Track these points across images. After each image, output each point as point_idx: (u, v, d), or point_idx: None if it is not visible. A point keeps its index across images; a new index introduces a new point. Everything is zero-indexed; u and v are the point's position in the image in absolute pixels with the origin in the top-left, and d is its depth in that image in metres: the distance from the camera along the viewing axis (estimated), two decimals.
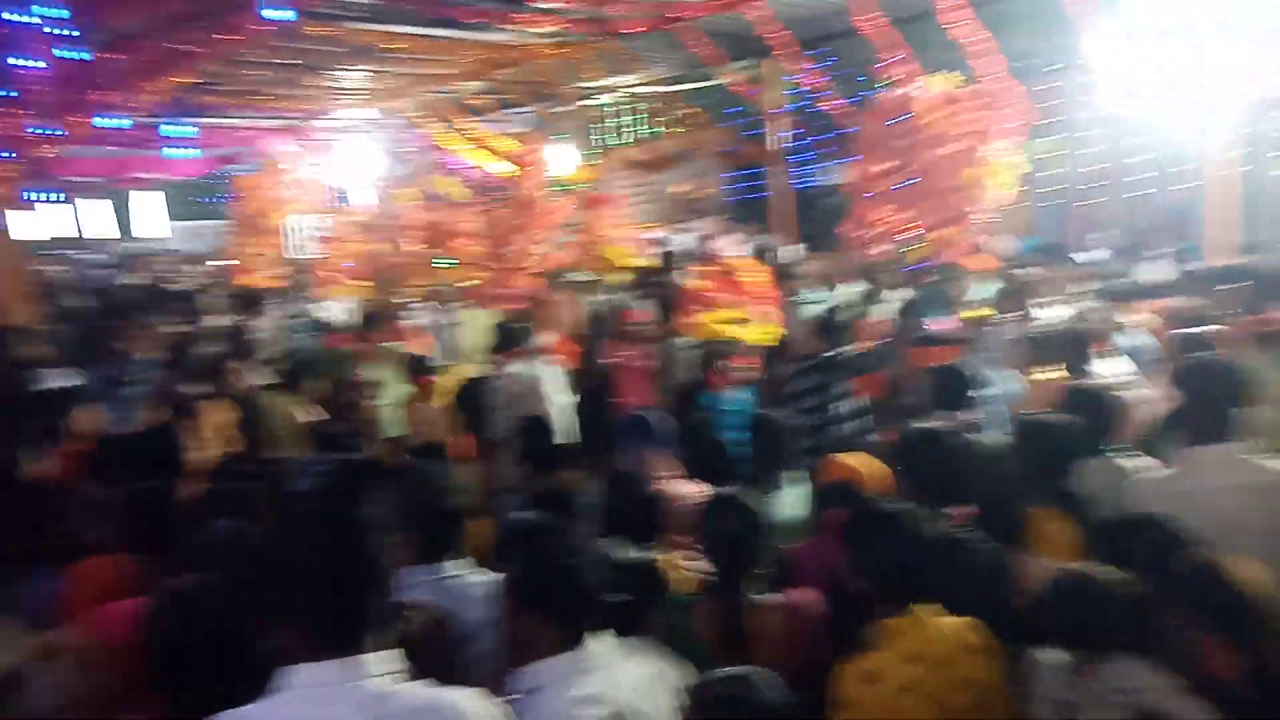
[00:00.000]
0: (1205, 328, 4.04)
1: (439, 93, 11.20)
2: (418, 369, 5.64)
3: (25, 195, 12.86)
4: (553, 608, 1.91)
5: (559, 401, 5.02)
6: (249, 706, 1.54)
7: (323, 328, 6.98)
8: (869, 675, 2.13)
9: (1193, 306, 4.52)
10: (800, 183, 11.57)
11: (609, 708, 1.85)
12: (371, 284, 7.20)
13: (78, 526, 2.95)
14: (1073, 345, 4.17)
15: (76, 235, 21.92)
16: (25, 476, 3.52)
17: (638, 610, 2.29)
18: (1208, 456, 2.72)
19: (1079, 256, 7.48)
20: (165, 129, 7.73)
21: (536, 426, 3.83)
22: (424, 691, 1.58)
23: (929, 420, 3.66)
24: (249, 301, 7.81)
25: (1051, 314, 5.32)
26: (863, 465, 3.08)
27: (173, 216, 22.54)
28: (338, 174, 15.32)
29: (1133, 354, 4.81)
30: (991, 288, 6.78)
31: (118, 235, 22.21)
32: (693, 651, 2.29)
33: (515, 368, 4.94)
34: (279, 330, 7.26)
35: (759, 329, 5.16)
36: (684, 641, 2.33)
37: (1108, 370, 4.40)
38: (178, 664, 1.90)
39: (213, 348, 6.10)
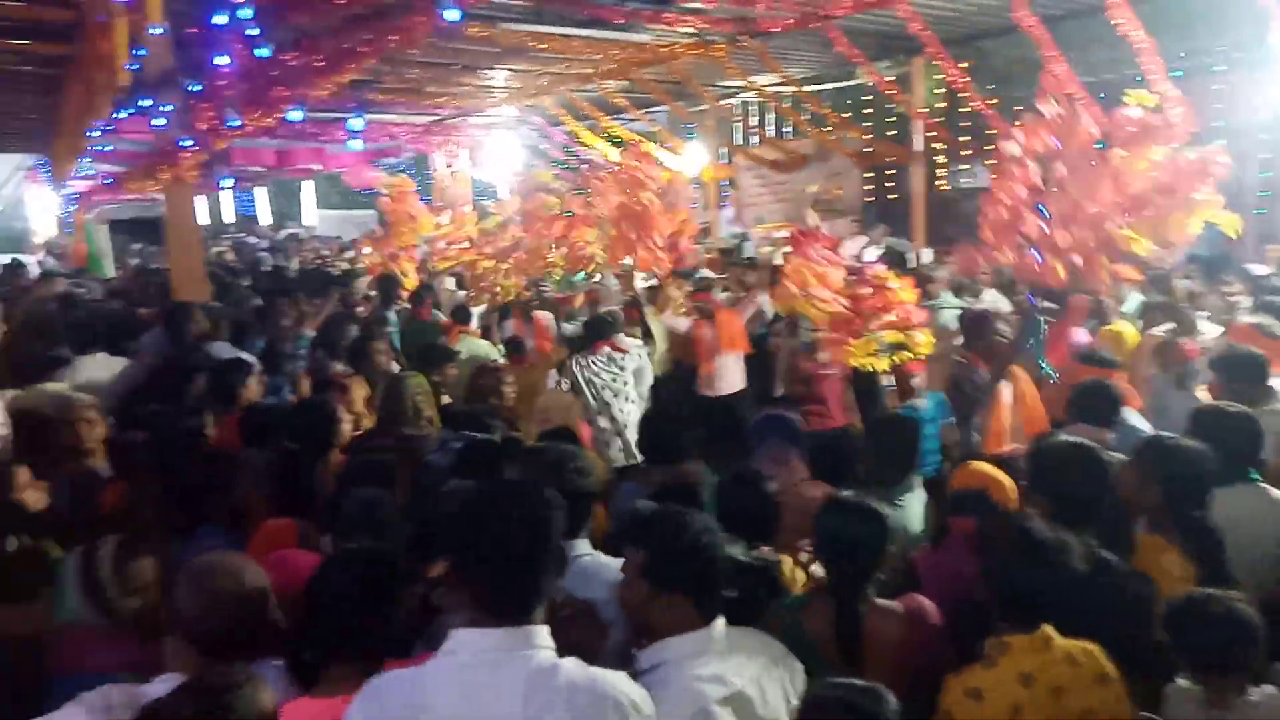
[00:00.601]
0: None
1: (580, 91, 11.47)
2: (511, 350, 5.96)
3: (217, 181, 14.04)
4: (689, 587, 1.95)
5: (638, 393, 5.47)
6: (427, 665, 1.62)
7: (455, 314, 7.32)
8: (975, 692, 2.09)
9: None
10: (941, 185, 11.25)
11: (731, 688, 1.89)
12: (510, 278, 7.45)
13: (240, 490, 3.19)
14: (1245, 366, 3.86)
15: (234, 220, 23.66)
16: (204, 443, 3.86)
17: (753, 607, 2.32)
18: None
19: (1252, 269, 6.96)
20: (351, 123, 8.23)
21: (660, 418, 3.86)
22: (585, 670, 1.62)
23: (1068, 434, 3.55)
24: (391, 289, 8.24)
25: (1210, 330, 5.00)
26: (995, 474, 2.99)
27: (321, 205, 24.02)
28: (483, 169, 15.96)
29: None
30: (1136, 300, 6.43)
31: (271, 221, 23.79)
32: (803, 652, 2.31)
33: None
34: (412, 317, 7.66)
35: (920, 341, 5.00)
36: (795, 642, 2.35)
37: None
38: (346, 618, 1.99)
39: (359, 330, 6.50)
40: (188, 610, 1.99)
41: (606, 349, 5.87)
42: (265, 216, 24.41)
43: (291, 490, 3.25)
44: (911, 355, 4.78)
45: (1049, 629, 2.14)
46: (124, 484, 3.49)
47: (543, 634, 1.63)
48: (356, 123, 8.25)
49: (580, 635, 1.88)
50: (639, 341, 6.38)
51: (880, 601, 2.42)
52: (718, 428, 4.44)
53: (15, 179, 18.88)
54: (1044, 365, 4.82)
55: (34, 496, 3.26)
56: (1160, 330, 5.28)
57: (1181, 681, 2.25)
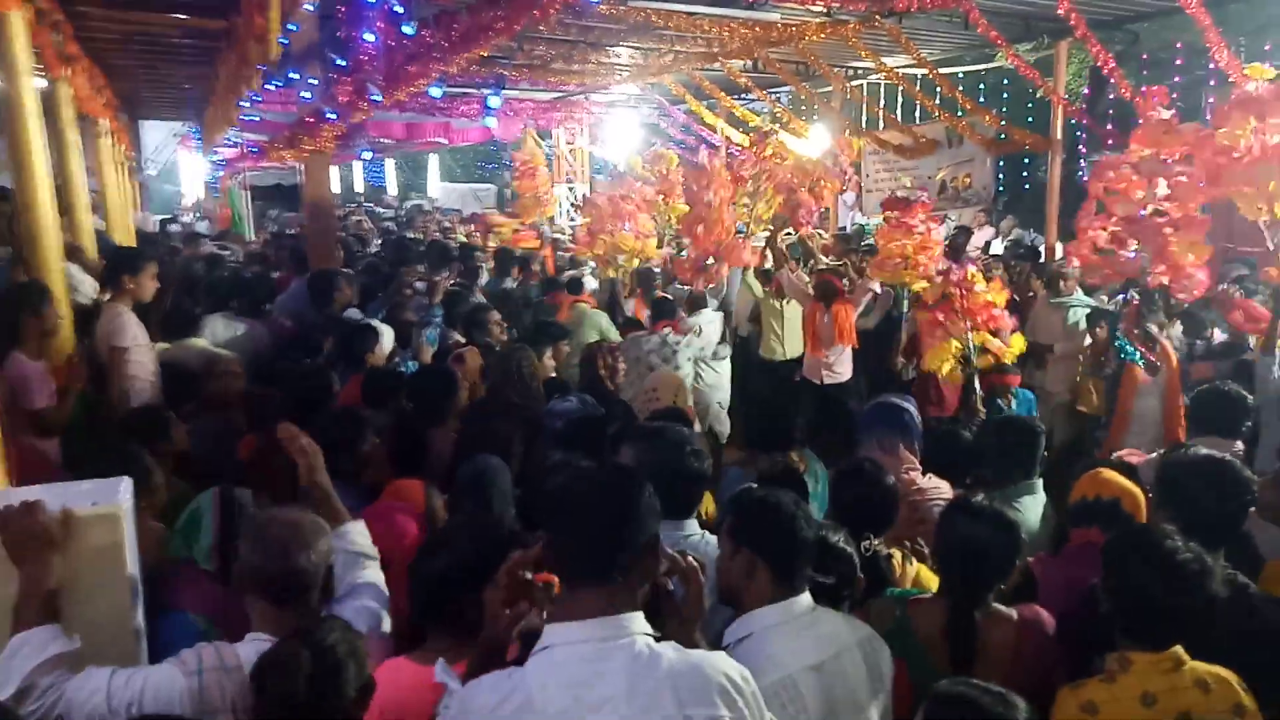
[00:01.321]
0: None
1: (703, 69, 11.39)
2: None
3: (359, 153, 14.66)
4: (768, 553, 1.98)
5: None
6: (528, 665, 1.60)
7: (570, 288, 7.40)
8: (1091, 706, 2.01)
9: None
10: (1081, 175, 10.68)
11: (814, 659, 1.92)
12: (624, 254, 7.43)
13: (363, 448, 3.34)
14: None
15: (364, 189, 24.62)
16: (332, 401, 4.06)
17: (854, 594, 2.30)
18: None
19: None
20: (490, 100, 8.44)
21: (767, 405, 3.83)
22: (685, 654, 1.61)
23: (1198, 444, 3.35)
24: (510, 263, 8.43)
25: None
26: (1126, 485, 2.84)
27: (444, 178, 24.78)
28: (603, 147, 16.10)
29: None
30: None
31: (396, 192, 24.66)
32: (909, 649, 2.27)
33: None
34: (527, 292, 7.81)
35: (1006, 346, 4.86)
36: (902, 637, 2.31)
37: None
38: (451, 590, 2.07)
39: (479, 301, 6.68)
40: (250, 561, 2.04)
41: (666, 330, 5.89)
42: (392, 187, 25.38)
43: (410, 451, 3.38)
44: (994, 360, 4.65)
45: (1180, 649, 2.03)
46: (258, 436, 3.72)
47: (638, 620, 1.61)
48: (495, 100, 8.41)
49: (684, 591, 1.88)
50: (701, 326, 6.35)
51: (996, 607, 2.35)
52: (827, 418, 4.37)
53: (170, 145, 20.22)
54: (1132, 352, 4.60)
55: (178, 439, 3.50)
56: None
57: None
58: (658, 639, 1.63)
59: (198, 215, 18.64)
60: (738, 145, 12.81)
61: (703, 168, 6.93)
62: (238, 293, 5.94)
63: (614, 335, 6.37)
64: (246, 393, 4.20)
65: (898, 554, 2.76)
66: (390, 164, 24.99)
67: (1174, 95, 9.04)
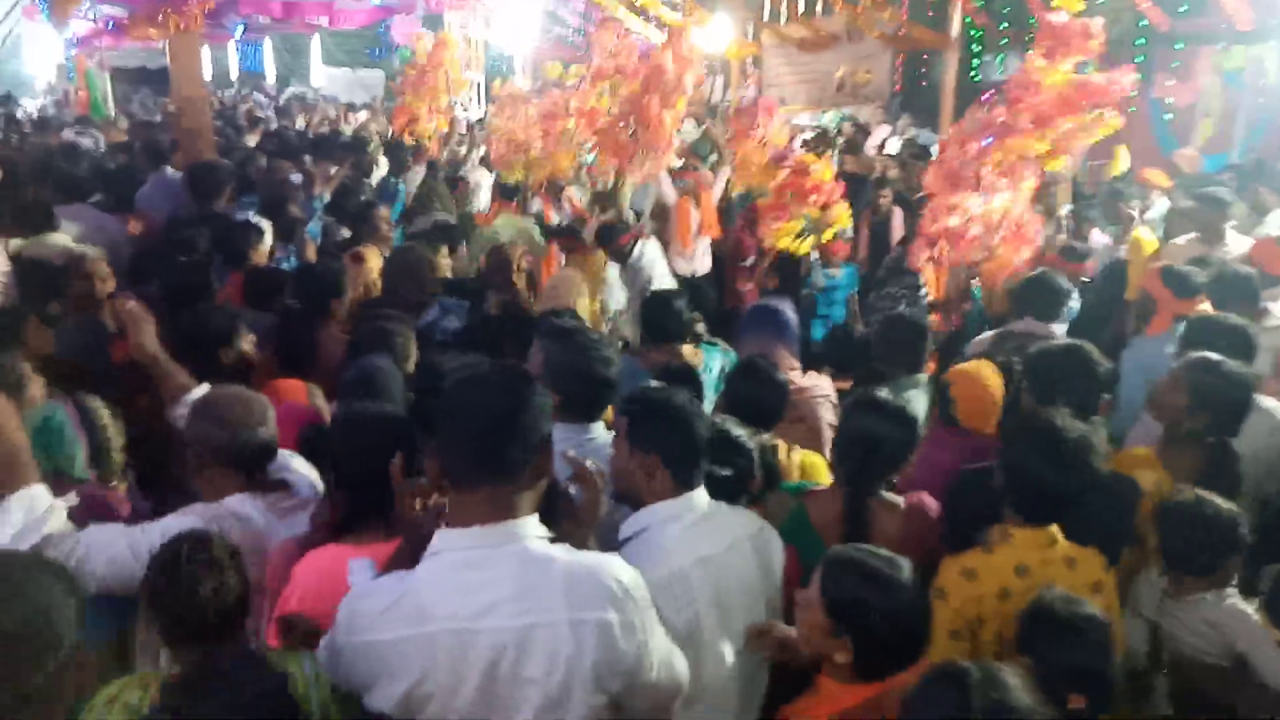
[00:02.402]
0: None
1: None
2: (562, 233, 5.81)
3: (230, 29, 13.45)
4: (666, 452, 1.98)
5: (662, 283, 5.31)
6: (417, 570, 1.58)
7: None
8: (970, 572, 2.15)
9: None
10: (974, 77, 10.81)
11: (706, 551, 1.96)
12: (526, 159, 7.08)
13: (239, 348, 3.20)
14: (1236, 285, 3.81)
15: (239, 75, 22.94)
16: (212, 297, 3.85)
17: (747, 489, 2.35)
18: None
19: None
20: None
21: (657, 301, 3.80)
22: (577, 557, 1.60)
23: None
24: (403, 155, 8.05)
25: (1241, 242, 4.88)
26: (985, 373, 2.97)
27: (327, 62, 23.21)
28: (501, 35, 15.35)
29: None
30: (1164, 206, 6.29)
31: (274, 79, 23.08)
32: (805, 538, 2.35)
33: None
34: (429, 188, 7.46)
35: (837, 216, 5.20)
36: (798, 527, 2.39)
37: None
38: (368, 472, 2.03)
39: (368, 196, 6.38)
40: (214, 436, 2.17)
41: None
42: (271, 74, 23.68)
43: (294, 352, 3.25)
44: (832, 231, 5.12)
45: (1056, 529, 2.18)
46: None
47: (530, 524, 1.59)
48: None
49: (583, 496, 1.88)
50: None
51: (886, 495, 2.45)
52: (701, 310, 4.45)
53: (14, 14, 18.21)
54: None
55: (40, 343, 3.26)
56: (1183, 240, 5.17)
57: (1153, 574, 2.31)
58: (552, 540, 1.62)
59: (51, 98, 17.04)
60: (640, 35, 12.44)
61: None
62: (101, 185, 5.50)
63: (540, 243, 6.17)
64: (116, 293, 3.93)
65: (782, 445, 2.84)
66: (268, 46, 23.26)
67: None
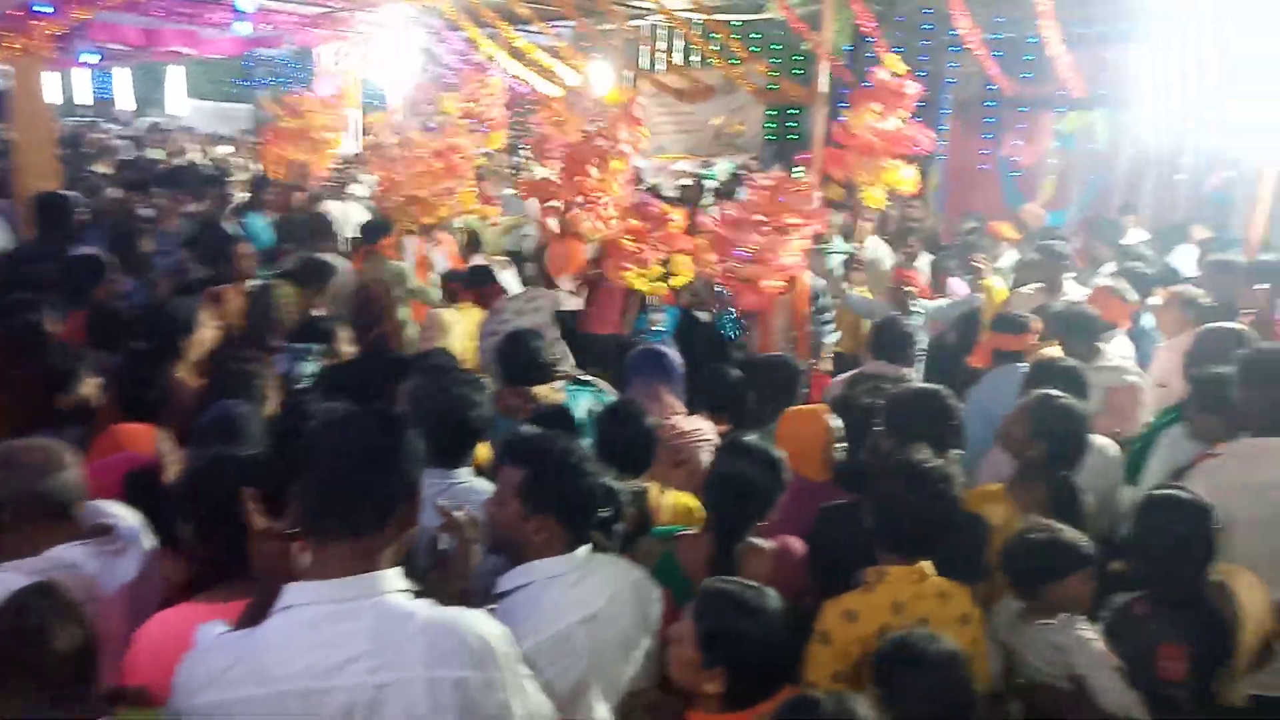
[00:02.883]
0: (1232, 322, 3.98)
1: None
2: (451, 279, 5.69)
3: (77, 55, 12.67)
4: (562, 511, 1.94)
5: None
6: (263, 626, 1.48)
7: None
8: (851, 614, 2.18)
9: (1213, 297, 4.46)
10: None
11: (590, 609, 1.92)
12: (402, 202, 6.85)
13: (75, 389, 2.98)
14: (1078, 324, 4.10)
15: (94, 103, 21.67)
16: (49, 338, 3.55)
17: (620, 535, 2.32)
18: (1276, 448, 2.69)
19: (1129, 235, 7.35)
20: (240, 3, 7.43)
21: (515, 341, 3.73)
22: (439, 613, 1.51)
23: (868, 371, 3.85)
24: (269, 192, 7.76)
25: (1078, 291, 5.26)
26: (808, 417, 3.07)
27: (192, 94, 22.22)
28: (376, 71, 15.09)
29: (1143, 338, 4.81)
30: (1012, 257, 6.76)
31: (134, 107, 21.96)
32: (675, 583, 2.34)
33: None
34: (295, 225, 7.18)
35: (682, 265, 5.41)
36: (668, 572, 2.37)
37: (1116, 352, 4.39)
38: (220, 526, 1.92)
39: (230, 232, 6.09)
40: (22, 487, 2.05)
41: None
42: (125, 101, 22.46)
43: (140, 395, 3.04)
44: (677, 278, 5.37)
45: (926, 564, 2.25)
46: None
47: (390, 577, 1.50)
48: (247, 3, 7.46)
49: (455, 546, 1.81)
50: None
51: (754, 540, 2.47)
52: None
53: None
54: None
55: None
56: (1029, 289, 5.54)
57: (1011, 601, 2.44)
58: (417, 594, 1.54)
59: None
60: (517, 78, 12.50)
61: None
62: None
63: (415, 286, 6.01)
64: None
65: (654, 487, 2.84)
66: (123, 74, 22.08)
67: (923, 58, 9.84)
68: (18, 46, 6.21)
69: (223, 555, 1.88)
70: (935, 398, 2.89)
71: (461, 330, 4.29)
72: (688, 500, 2.91)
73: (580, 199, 5.71)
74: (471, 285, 5.36)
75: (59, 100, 18.19)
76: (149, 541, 2.17)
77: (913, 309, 5.36)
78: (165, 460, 2.70)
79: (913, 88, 4.90)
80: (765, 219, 4.84)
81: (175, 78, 21.96)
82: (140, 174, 9.17)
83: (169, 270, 5.22)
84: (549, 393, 3.61)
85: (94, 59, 15.94)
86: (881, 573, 2.24)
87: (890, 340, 4.18)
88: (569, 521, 1.95)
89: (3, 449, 2.16)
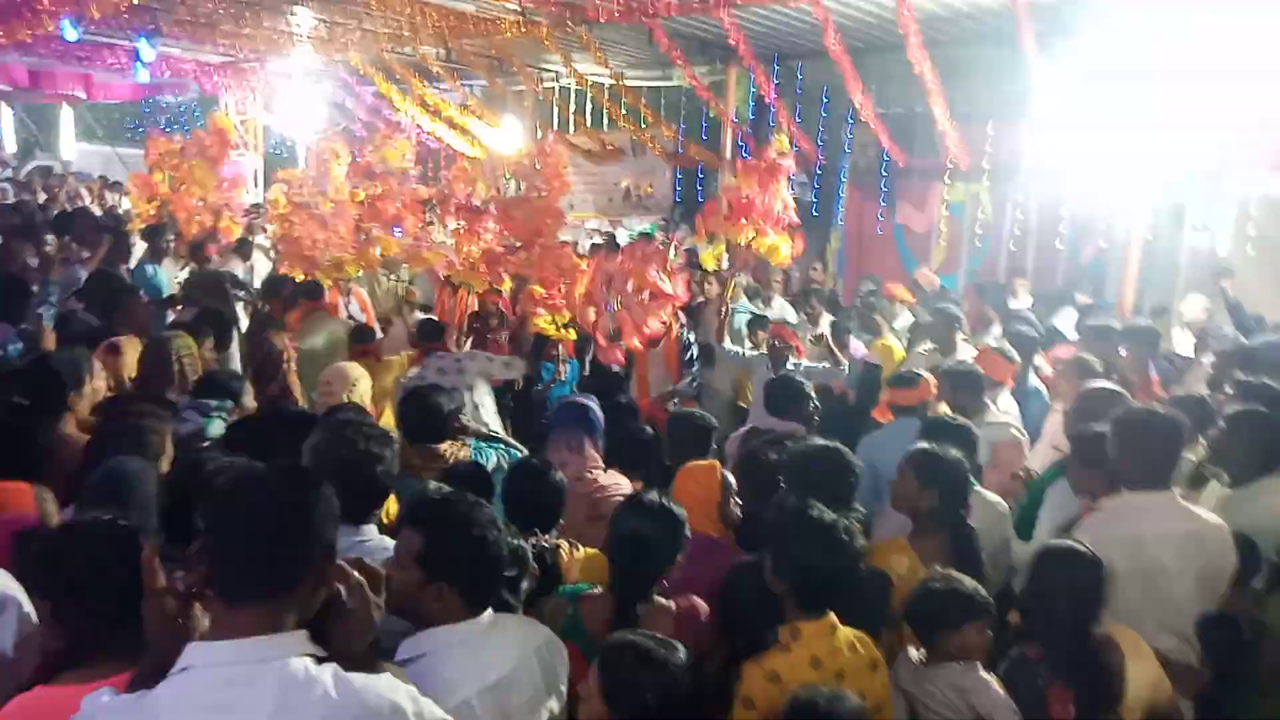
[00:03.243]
0: (1109, 381, 4.25)
1: (395, 52, 10.97)
2: (360, 338, 5.59)
3: None
4: (462, 580, 1.88)
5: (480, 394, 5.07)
6: (158, 688, 1.41)
7: (240, 285, 6.62)
8: (774, 675, 2.20)
9: (1093, 358, 4.76)
10: None
11: (492, 678, 1.86)
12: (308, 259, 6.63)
13: None
14: (966, 382, 4.30)
15: None
16: None
17: (526, 593, 2.30)
18: (1150, 503, 2.82)
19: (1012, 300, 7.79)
20: (142, 51, 7.19)
21: (417, 398, 3.65)
22: (344, 679, 1.46)
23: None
24: (163, 240, 7.48)
25: (968, 351, 5.53)
26: (699, 474, 3.12)
27: (82, 138, 21.37)
28: (282, 121, 14.86)
29: (1027, 398, 5.08)
30: (908, 319, 7.09)
31: (14, 149, 20.96)
32: (580, 642, 2.31)
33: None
34: (193, 276, 6.94)
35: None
36: (572, 631, 2.35)
37: (1001, 409, 4.63)
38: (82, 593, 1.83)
39: (121, 282, 5.86)
40: None
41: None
42: (9, 143, 21.42)
43: (16, 450, 2.87)
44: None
45: (833, 616, 2.30)
46: None
47: (296, 639, 1.46)
48: (148, 52, 7.25)
49: (354, 604, 1.74)
50: None
51: (657, 599, 2.47)
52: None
53: None
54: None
55: None
56: (923, 349, 5.81)
57: (912, 651, 2.51)
58: (323, 659, 1.49)
59: None
60: (427, 132, 12.52)
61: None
62: None
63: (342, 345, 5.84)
64: None
65: (564, 544, 2.83)
66: (7, 115, 21.09)
67: (822, 128, 10.30)
68: None
69: (100, 627, 1.79)
70: (836, 454, 2.98)
71: (368, 385, 4.19)
72: (599, 557, 2.90)
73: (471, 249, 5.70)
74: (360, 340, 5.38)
75: None
76: (28, 607, 2.04)
77: (790, 365, 5.54)
78: (47, 521, 2.56)
79: (788, 162, 5.58)
80: (630, 279, 5.10)
81: (65, 120, 21.07)
82: (26, 219, 8.73)
83: (56, 321, 4.97)
84: (454, 449, 3.57)
85: None
86: (795, 630, 2.27)
87: (782, 396, 4.25)
88: (469, 590, 1.89)
89: None
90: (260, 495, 1.50)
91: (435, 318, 5.83)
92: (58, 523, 2.57)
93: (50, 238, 7.29)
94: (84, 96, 14.60)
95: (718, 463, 3.20)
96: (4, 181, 15.41)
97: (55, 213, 10.18)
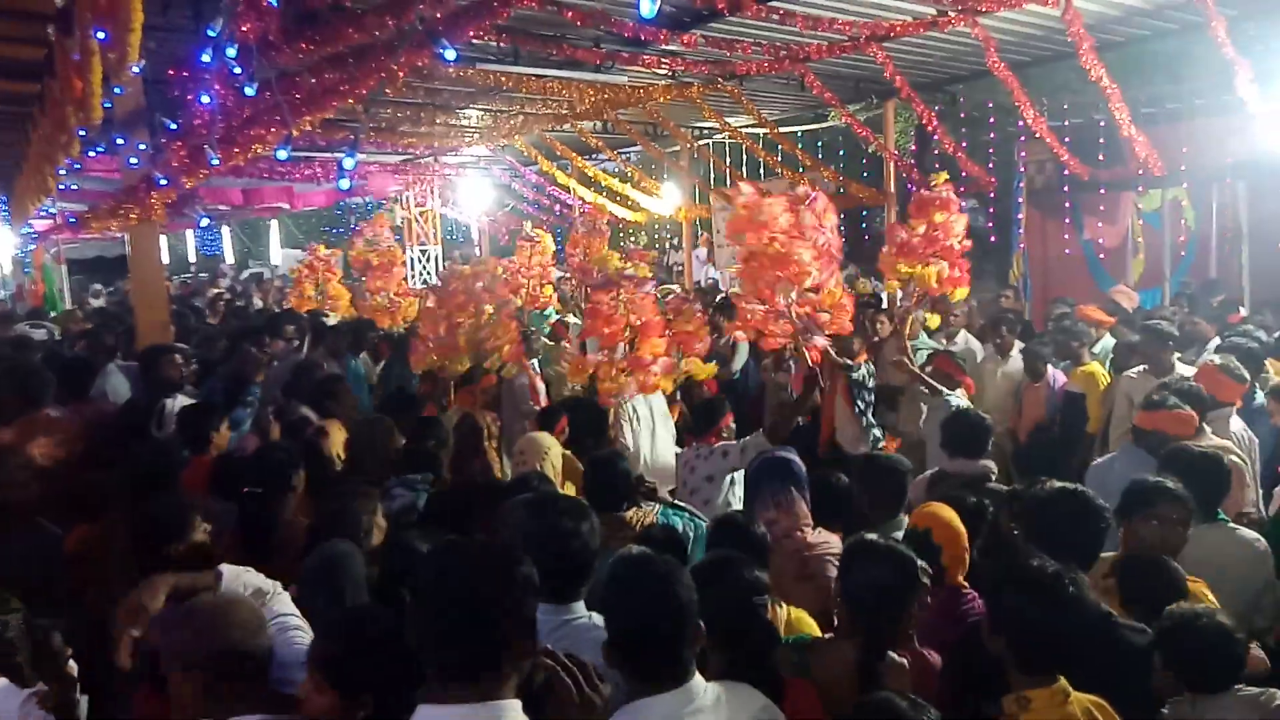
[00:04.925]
0: None
1: (554, 131, 11.50)
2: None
3: (196, 220, 13.72)
4: (661, 648, 1.84)
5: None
6: None
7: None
8: None
9: None
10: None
11: None
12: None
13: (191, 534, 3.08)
14: (1186, 403, 3.89)
15: (196, 259, 23.32)
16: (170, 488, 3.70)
17: (741, 654, 2.22)
18: None
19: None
20: (344, 162, 8.06)
21: (601, 463, 3.66)
22: None
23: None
24: (363, 333, 8.06)
25: (1187, 370, 5.03)
26: (938, 514, 2.92)
27: (286, 244, 23.79)
28: (456, 209, 15.92)
29: (1255, 417, 4.55)
30: (1108, 341, 6.54)
31: (232, 260, 23.55)
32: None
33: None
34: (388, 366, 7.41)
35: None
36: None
37: (1234, 432, 4.15)
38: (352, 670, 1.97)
39: (329, 372, 6.34)
40: (188, 642, 2.00)
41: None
42: (230, 255, 24.16)
43: (256, 537, 3.11)
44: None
45: (1064, 681, 2.08)
46: (88, 527, 3.38)
47: (513, 710, 1.49)
48: (349, 161, 8.08)
49: (564, 697, 1.73)
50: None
51: (892, 657, 2.30)
52: None
53: None
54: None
55: None
56: (1134, 372, 5.32)
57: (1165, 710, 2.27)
58: None
59: (5, 293, 17.05)
60: (591, 204, 12.98)
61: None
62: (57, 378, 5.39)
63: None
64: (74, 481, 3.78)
65: (768, 600, 2.73)
66: (226, 231, 23.82)
67: (991, 150, 9.86)
68: (135, 215, 6.72)
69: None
70: (1081, 499, 2.70)
71: (559, 454, 4.29)
72: (802, 615, 2.78)
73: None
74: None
75: (168, 259, 19.62)
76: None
77: (948, 398, 5.18)
78: None
79: (951, 194, 5.49)
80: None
81: (273, 230, 23.51)
82: (245, 323, 9.71)
83: (274, 411, 5.43)
84: (640, 516, 3.54)
85: (205, 222, 17.22)
86: (1023, 700, 2.06)
87: (963, 434, 3.95)
88: (666, 658, 1.84)
89: (209, 605, 2.14)
90: (460, 571, 1.54)
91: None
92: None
93: (266, 338, 8.04)
94: (288, 208, 16.24)
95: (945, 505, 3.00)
96: (226, 290, 17.29)
97: (268, 314, 11.27)
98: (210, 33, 4.38)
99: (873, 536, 2.47)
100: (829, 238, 4.95)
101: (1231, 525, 3.09)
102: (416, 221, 16.12)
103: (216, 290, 15.52)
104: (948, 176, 5.69)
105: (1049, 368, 6.21)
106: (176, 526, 2.89)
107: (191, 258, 24.20)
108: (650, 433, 5.28)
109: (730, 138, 11.28)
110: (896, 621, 2.32)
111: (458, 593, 1.50)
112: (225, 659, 1.98)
